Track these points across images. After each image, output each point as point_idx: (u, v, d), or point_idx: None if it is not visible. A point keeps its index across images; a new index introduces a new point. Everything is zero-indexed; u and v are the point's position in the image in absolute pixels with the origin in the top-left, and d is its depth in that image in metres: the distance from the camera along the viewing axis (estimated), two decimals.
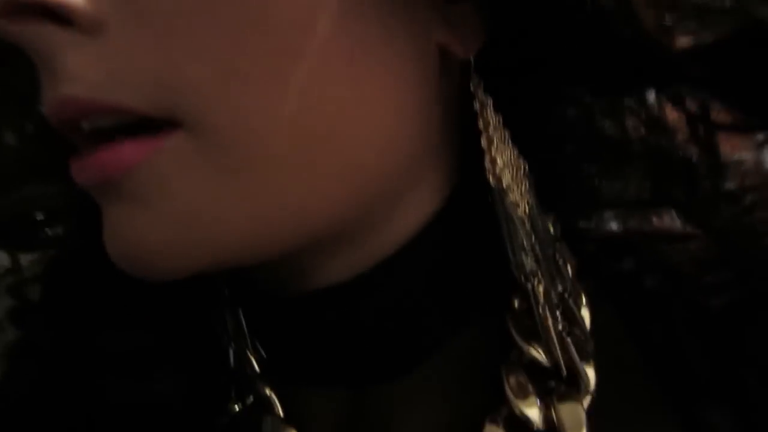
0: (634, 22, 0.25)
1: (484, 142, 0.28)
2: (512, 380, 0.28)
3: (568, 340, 0.28)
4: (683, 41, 0.26)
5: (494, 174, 0.28)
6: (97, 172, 0.25)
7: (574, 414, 0.27)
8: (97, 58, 0.24)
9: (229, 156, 0.24)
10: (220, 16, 0.23)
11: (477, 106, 0.28)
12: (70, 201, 0.32)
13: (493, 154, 0.28)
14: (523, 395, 0.27)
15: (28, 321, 0.33)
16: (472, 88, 0.28)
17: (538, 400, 0.27)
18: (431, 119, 0.28)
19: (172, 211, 0.24)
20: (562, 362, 0.27)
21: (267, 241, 0.26)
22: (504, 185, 0.28)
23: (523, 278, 0.27)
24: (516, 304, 0.29)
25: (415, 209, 0.29)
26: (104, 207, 0.26)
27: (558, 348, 0.27)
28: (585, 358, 0.28)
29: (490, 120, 0.28)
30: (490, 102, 0.28)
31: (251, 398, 0.30)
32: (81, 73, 0.24)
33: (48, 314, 0.32)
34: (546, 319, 0.27)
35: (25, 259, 0.33)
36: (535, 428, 0.27)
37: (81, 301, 0.31)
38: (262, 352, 0.31)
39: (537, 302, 0.28)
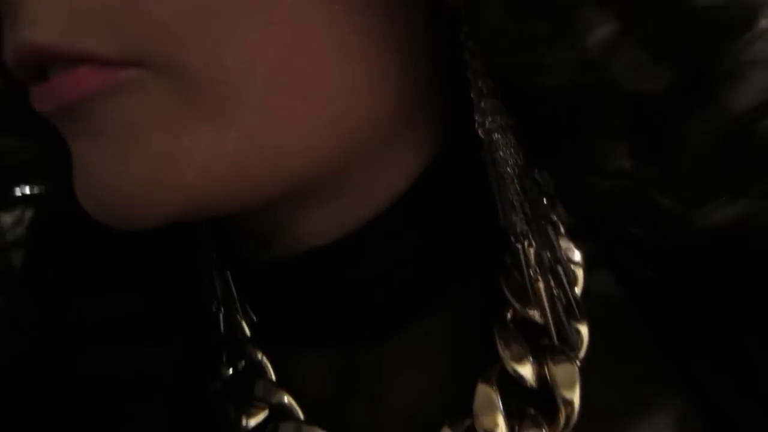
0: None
1: (473, 93, 0.27)
2: (504, 339, 0.27)
3: (561, 299, 0.28)
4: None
5: (484, 127, 0.27)
6: (54, 96, 0.24)
7: (568, 372, 0.27)
8: (63, 2, 0.22)
9: (203, 98, 0.23)
10: None
11: (467, 56, 0.26)
12: (47, 157, 0.31)
13: (482, 105, 0.27)
14: (516, 354, 0.27)
15: (10, 288, 0.32)
16: (462, 37, 0.27)
17: (531, 359, 0.27)
18: (419, 71, 0.27)
19: (144, 153, 0.23)
20: (551, 321, 0.27)
21: (245, 185, 0.25)
22: (494, 139, 0.27)
23: (513, 238, 0.27)
24: (508, 263, 0.28)
25: (404, 166, 0.28)
26: (70, 143, 0.25)
27: (549, 308, 0.27)
28: (578, 318, 0.28)
29: (480, 71, 0.27)
30: (480, 53, 0.27)
31: (243, 363, 0.30)
32: (42, 16, 0.23)
33: (32, 281, 0.31)
34: (537, 280, 0.27)
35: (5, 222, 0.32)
36: (528, 386, 0.27)
37: (66, 267, 0.31)
38: (252, 316, 0.31)
39: (527, 264, 0.27)
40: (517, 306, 0.28)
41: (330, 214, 0.28)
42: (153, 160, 0.23)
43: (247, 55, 0.23)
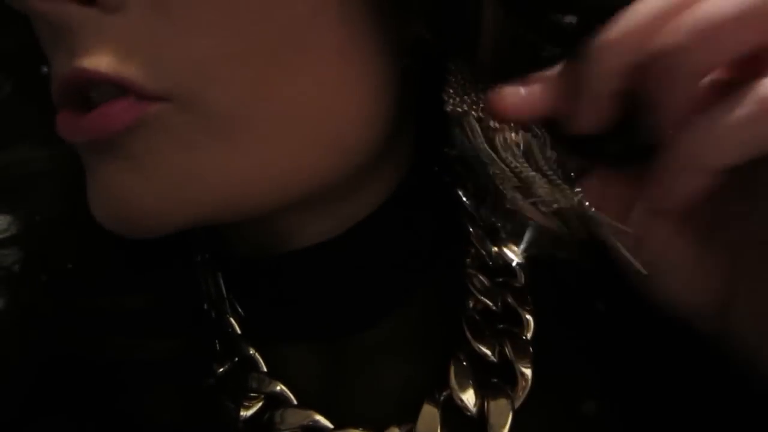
0: None
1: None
2: (470, 325, 0.33)
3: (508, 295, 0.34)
4: None
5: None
6: (88, 131, 0.26)
7: (522, 350, 0.33)
8: (115, 37, 0.25)
9: (222, 128, 0.26)
10: (233, 7, 0.26)
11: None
12: (54, 166, 0.32)
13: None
14: (480, 336, 0.33)
15: (15, 287, 0.33)
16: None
17: (492, 340, 0.33)
18: (402, 100, 0.31)
19: (163, 173, 0.27)
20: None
21: (251, 202, 0.28)
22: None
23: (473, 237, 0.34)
24: (471, 260, 0.34)
25: (383, 182, 0.33)
26: (93, 166, 0.28)
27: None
28: (523, 305, 0.34)
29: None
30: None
31: (236, 359, 0.33)
32: (98, 49, 0.25)
33: (37, 279, 0.33)
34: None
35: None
36: (491, 361, 0.32)
37: (71, 267, 0.32)
38: (242, 313, 0.34)
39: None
40: (479, 296, 0.33)
41: (316, 221, 0.32)
42: (172, 179, 0.27)
43: (267, 94, 0.27)
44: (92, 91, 0.27)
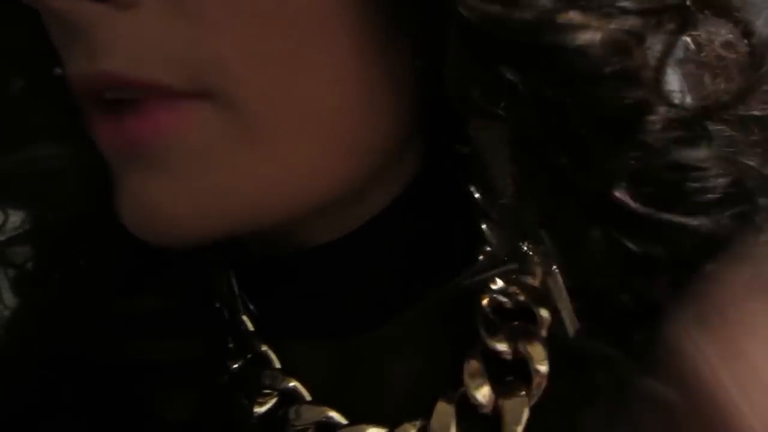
0: None
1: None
2: (484, 322, 0.33)
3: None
4: None
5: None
6: (131, 139, 0.26)
7: (537, 348, 0.32)
8: (131, 33, 0.25)
9: (251, 127, 0.26)
10: (251, 2, 0.25)
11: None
12: (76, 163, 0.32)
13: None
14: (494, 333, 0.33)
15: (30, 286, 0.33)
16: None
17: (507, 337, 0.33)
18: (414, 105, 0.30)
19: (199, 184, 0.26)
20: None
21: (280, 210, 0.28)
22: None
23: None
24: (484, 256, 0.34)
25: (397, 178, 0.32)
26: (125, 174, 0.27)
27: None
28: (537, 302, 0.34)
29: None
30: None
31: (249, 356, 0.33)
32: (115, 47, 0.25)
33: (49, 278, 0.33)
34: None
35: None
36: (505, 359, 0.32)
37: (83, 265, 0.32)
38: (254, 311, 0.34)
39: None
40: (493, 294, 0.33)
41: (331, 219, 0.32)
42: (207, 190, 0.26)
43: (294, 93, 0.26)
44: (108, 92, 0.26)
